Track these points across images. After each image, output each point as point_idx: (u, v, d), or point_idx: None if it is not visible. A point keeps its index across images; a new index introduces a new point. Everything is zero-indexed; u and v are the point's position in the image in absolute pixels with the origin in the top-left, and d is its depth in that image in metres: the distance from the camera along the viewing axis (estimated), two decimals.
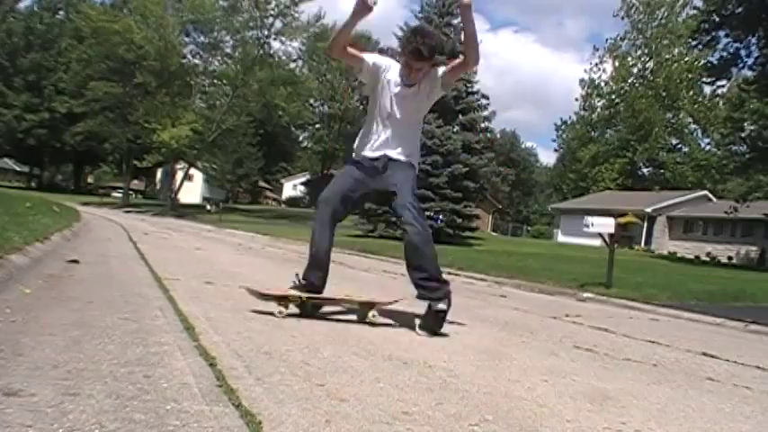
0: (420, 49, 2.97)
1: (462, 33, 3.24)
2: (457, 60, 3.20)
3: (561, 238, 36.08)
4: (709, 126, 42.19)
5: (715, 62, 22.98)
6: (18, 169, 65.30)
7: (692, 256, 26.91)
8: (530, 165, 70.56)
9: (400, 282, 6.18)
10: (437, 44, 3.05)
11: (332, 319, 3.09)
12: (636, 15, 47.88)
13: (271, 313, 2.93)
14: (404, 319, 3.18)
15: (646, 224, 33.37)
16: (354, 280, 6.14)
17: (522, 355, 2.65)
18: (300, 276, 3.12)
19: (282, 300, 2.98)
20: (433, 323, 2.90)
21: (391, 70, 3.19)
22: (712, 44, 22.44)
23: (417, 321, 3.00)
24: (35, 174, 62.72)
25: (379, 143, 3.18)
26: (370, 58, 3.23)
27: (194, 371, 1.75)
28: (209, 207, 38.66)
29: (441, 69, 3.16)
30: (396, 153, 3.16)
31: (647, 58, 48.83)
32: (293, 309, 3.03)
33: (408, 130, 3.24)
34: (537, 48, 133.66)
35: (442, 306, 2.91)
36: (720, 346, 3.57)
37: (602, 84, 51.40)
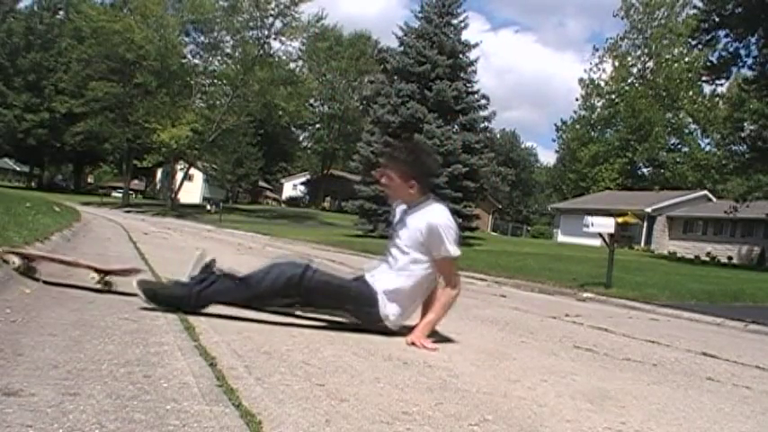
0: (386, 152, 3.12)
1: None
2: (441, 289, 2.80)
3: (561, 237, 36.05)
4: (709, 126, 42.13)
5: (715, 62, 22.98)
6: (18, 169, 65.29)
7: (691, 256, 26.88)
8: (530, 165, 70.52)
9: None
10: (404, 158, 2.79)
11: (332, 320, 3.08)
12: (636, 15, 47.94)
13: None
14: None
15: (646, 224, 33.33)
16: None
17: (522, 355, 2.65)
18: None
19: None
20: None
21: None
22: (712, 44, 22.42)
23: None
24: (35, 174, 62.64)
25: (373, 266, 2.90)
26: None
27: (194, 371, 1.75)
28: (209, 207, 38.68)
29: (443, 248, 2.70)
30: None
31: (647, 58, 48.88)
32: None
33: (401, 264, 2.74)
34: (538, 48, 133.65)
35: None
36: (720, 346, 3.57)
37: (602, 84, 51.49)
